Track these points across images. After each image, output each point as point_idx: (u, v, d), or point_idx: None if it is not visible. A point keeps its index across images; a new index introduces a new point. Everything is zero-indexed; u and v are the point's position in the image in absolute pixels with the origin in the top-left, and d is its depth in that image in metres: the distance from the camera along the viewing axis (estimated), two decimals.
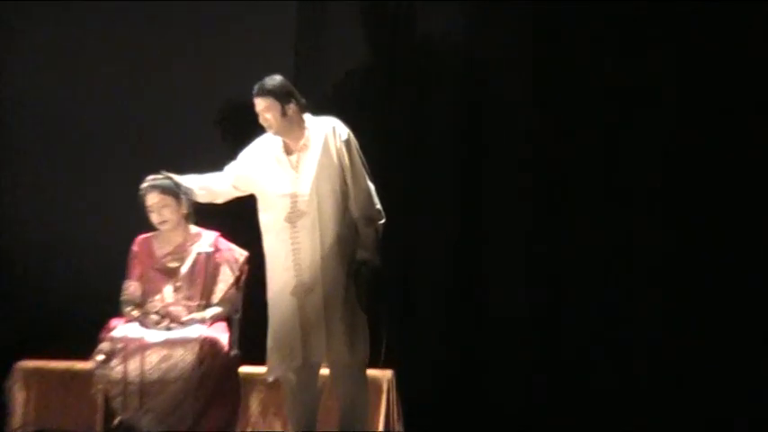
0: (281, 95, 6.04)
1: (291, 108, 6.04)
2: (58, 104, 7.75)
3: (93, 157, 7.73)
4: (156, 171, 6.32)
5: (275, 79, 6.10)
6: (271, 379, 6.08)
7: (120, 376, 6.06)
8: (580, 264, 7.29)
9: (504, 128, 7.44)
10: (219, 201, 6.33)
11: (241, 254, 6.45)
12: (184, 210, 6.37)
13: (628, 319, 7.16)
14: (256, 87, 6.06)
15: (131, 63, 7.69)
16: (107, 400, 6.15)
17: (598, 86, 7.28)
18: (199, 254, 6.40)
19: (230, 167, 6.26)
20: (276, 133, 6.09)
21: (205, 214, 6.44)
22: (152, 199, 6.33)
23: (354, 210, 6.02)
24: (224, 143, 7.21)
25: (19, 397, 6.84)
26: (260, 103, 6.06)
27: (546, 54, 7.35)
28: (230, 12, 7.65)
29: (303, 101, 6.10)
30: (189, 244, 6.42)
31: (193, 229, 6.46)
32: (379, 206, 6.05)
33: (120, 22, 7.74)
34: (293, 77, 6.34)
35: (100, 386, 6.16)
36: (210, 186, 6.30)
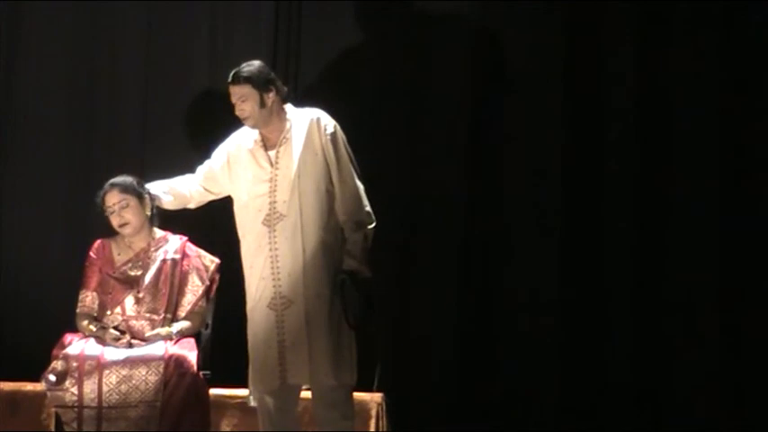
0: (259, 83, 5.77)
1: (271, 97, 5.79)
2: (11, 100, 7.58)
3: (51, 157, 7.50)
4: (119, 174, 6.19)
5: (253, 65, 5.83)
6: (253, 403, 5.84)
7: (74, 399, 5.83)
8: (589, 283, 7.19)
9: (516, 123, 7.29)
10: (192, 206, 6.15)
11: (212, 261, 6.23)
12: (148, 211, 6.16)
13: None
14: (232, 74, 5.80)
15: (91, 60, 7.54)
16: (59, 426, 5.93)
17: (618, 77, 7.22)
18: (164, 261, 6.17)
19: (202, 168, 6.06)
20: (253, 126, 5.82)
21: (172, 216, 6.25)
22: (112, 199, 6.12)
23: (341, 212, 5.76)
24: (196, 142, 6.93)
25: None
26: (236, 92, 5.79)
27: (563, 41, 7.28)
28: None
29: (284, 89, 5.85)
30: (153, 249, 6.20)
31: (158, 232, 6.24)
32: (368, 208, 5.79)
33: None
34: (272, 63, 6.29)
35: (51, 410, 6.03)
36: (180, 191, 6.11)
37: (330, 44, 7.27)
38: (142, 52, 7.43)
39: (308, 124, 5.77)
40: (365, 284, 5.67)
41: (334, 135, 5.76)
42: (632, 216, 7.14)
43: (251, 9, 7.36)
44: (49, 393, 5.88)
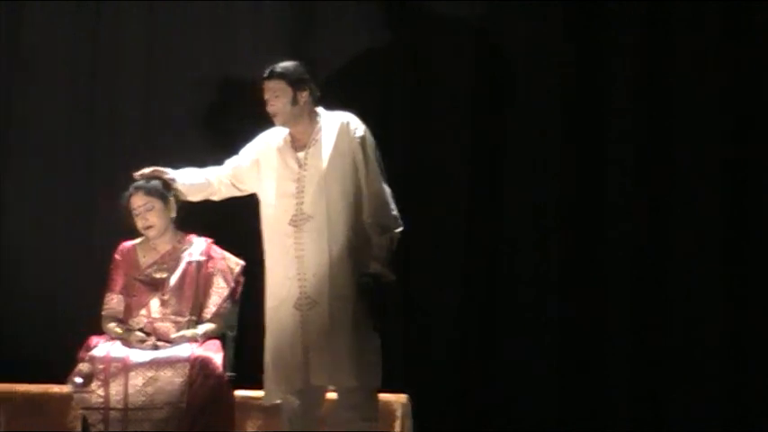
0: (294, 81, 5.76)
1: (304, 96, 5.77)
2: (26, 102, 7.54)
3: (71, 156, 7.48)
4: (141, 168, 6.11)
5: (289, 63, 5.82)
6: (268, 404, 5.84)
7: (100, 401, 5.82)
8: (611, 280, 7.14)
9: (526, 123, 7.24)
10: (216, 198, 6.07)
11: (237, 263, 6.21)
12: (173, 214, 6.16)
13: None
14: (267, 70, 5.79)
15: (116, 60, 7.50)
16: (86, 428, 5.90)
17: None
18: (189, 263, 6.16)
19: (230, 161, 6.01)
20: (283, 123, 5.81)
21: (196, 218, 6.23)
22: (137, 201, 6.12)
23: (367, 215, 5.73)
24: (216, 141, 6.85)
25: None
26: (269, 88, 5.77)
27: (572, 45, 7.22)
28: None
29: (318, 92, 5.83)
30: (178, 252, 6.19)
31: (183, 235, 6.24)
32: (395, 213, 5.77)
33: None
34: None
35: (78, 412, 5.93)
36: (207, 180, 6.03)
37: (339, 43, 7.26)
38: (145, 51, 7.42)
39: (338, 127, 5.75)
40: (390, 288, 5.67)
41: (363, 139, 5.74)
42: (633, 215, 7.13)
43: (257, 7, 7.37)
44: (75, 395, 5.87)
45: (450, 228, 7.20)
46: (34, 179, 7.40)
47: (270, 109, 5.75)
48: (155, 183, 6.06)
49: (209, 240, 6.20)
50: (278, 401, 5.77)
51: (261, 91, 5.76)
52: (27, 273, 7.36)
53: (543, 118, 7.18)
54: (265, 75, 5.76)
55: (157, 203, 6.06)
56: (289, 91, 5.71)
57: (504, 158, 7.23)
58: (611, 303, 7.07)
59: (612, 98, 7.13)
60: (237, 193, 5.97)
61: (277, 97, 5.72)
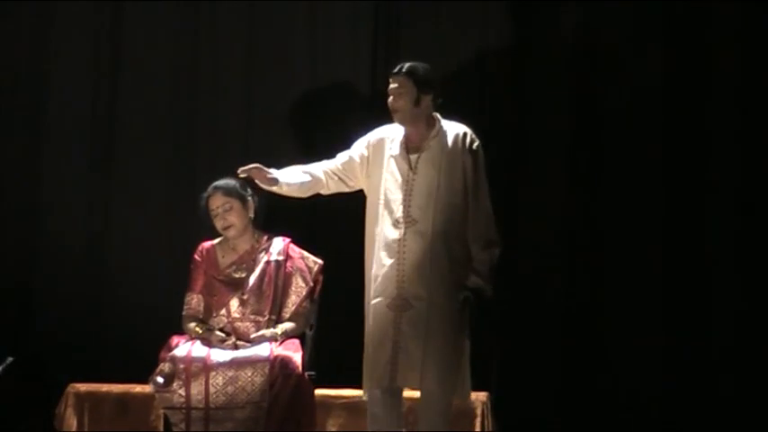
0: (420, 81, 5.74)
1: (426, 100, 5.75)
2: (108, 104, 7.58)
3: (157, 160, 7.52)
4: (224, 175, 6.16)
5: (420, 64, 5.80)
6: (366, 397, 5.80)
7: (182, 401, 5.86)
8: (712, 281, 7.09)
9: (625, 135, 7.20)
10: (324, 192, 5.97)
11: (315, 262, 6.23)
12: (251, 213, 6.18)
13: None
14: (398, 66, 5.78)
15: (193, 61, 7.55)
16: (168, 427, 5.96)
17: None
18: (268, 263, 6.18)
19: (341, 156, 5.94)
20: (401, 121, 5.78)
21: (274, 218, 6.27)
22: (215, 202, 6.15)
23: (472, 230, 5.73)
24: (298, 142, 7.02)
25: (71, 424, 6.61)
26: (395, 83, 5.75)
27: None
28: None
29: (440, 98, 5.79)
30: (257, 252, 6.21)
31: (262, 234, 6.25)
32: (498, 231, 5.76)
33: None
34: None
35: (160, 411, 6.06)
36: (314, 177, 5.91)
37: (428, 45, 7.22)
38: (243, 52, 7.44)
39: (454, 137, 5.74)
40: (489, 304, 5.66)
41: (476, 153, 5.74)
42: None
43: (350, 9, 7.35)
44: (157, 395, 5.93)
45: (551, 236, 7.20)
46: (129, 180, 7.45)
47: (392, 104, 5.73)
48: (233, 183, 6.07)
49: (288, 240, 6.20)
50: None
51: (386, 85, 5.75)
52: (110, 274, 7.42)
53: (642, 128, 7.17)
54: (395, 70, 5.75)
55: (236, 203, 6.09)
56: (413, 90, 5.69)
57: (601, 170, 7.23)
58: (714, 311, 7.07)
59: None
60: (346, 189, 5.92)
61: (400, 94, 5.70)
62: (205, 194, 6.14)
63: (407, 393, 5.85)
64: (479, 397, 6.41)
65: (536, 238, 7.14)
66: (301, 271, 6.14)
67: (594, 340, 7.09)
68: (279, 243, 6.19)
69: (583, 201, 7.17)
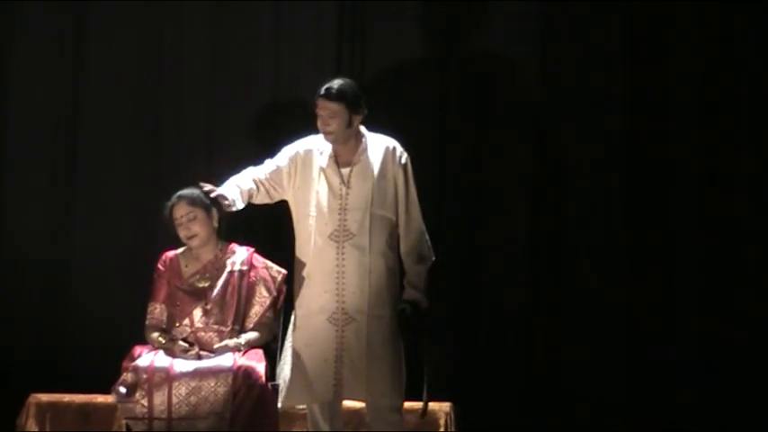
0: (351, 104, 5.76)
1: (358, 119, 5.79)
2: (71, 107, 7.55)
3: (114, 166, 7.49)
4: (187, 184, 6.14)
5: (346, 83, 5.81)
6: (287, 406, 5.92)
7: (144, 411, 5.82)
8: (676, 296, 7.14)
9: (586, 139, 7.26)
10: (255, 202, 5.98)
11: (278, 271, 6.20)
12: (215, 223, 6.16)
13: None
14: (324, 89, 5.76)
15: (152, 63, 7.52)
16: None
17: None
18: (231, 272, 6.15)
19: (268, 166, 5.95)
20: (334, 142, 5.82)
21: (237, 228, 6.28)
22: (179, 211, 6.12)
23: (404, 242, 5.85)
24: (262, 150, 6.73)
25: None
26: (326, 107, 5.76)
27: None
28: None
29: (366, 111, 5.82)
30: (220, 261, 6.19)
31: (225, 244, 6.23)
32: (429, 243, 5.87)
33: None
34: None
35: (122, 422, 6.00)
36: (250, 189, 5.91)
37: (393, 51, 7.26)
38: (207, 58, 7.43)
39: (384, 151, 5.81)
40: (425, 315, 5.74)
41: (406, 167, 5.82)
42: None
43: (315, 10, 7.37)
44: (119, 405, 5.88)
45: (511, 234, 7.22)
46: (92, 188, 7.41)
47: (323, 128, 5.75)
48: (197, 192, 6.05)
49: (251, 249, 6.18)
50: (300, 407, 5.90)
51: (314, 106, 5.74)
52: (72, 282, 7.37)
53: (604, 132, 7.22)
54: (322, 92, 5.74)
55: (200, 213, 6.06)
56: (345, 113, 5.72)
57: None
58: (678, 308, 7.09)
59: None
60: (268, 201, 5.95)
61: (332, 118, 5.72)
62: (169, 203, 6.11)
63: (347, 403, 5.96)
64: (443, 407, 6.44)
65: (499, 241, 7.17)
66: (265, 281, 6.12)
67: (556, 346, 7.11)
68: (242, 253, 6.16)
69: (547, 202, 7.21)
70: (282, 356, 5.94)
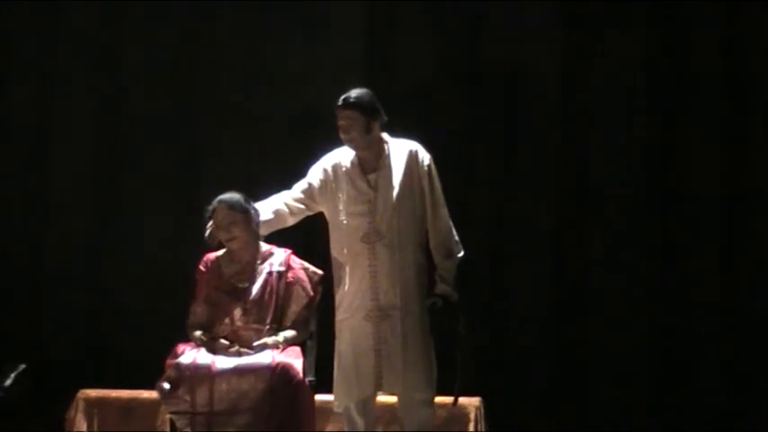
0: (367, 110, 5.94)
1: (376, 125, 5.95)
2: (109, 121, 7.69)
3: (160, 176, 7.64)
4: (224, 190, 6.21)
5: (362, 92, 5.99)
6: (341, 410, 6.01)
7: (187, 406, 5.88)
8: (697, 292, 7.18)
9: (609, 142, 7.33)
10: (290, 223, 6.21)
11: (315, 272, 6.28)
12: (254, 226, 6.20)
13: None
14: (342, 99, 5.95)
15: (185, 76, 7.65)
16: (173, 430, 6.00)
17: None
18: (269, 273, 6.22)
19: (299, 185, 6.16)
20: (355, 148, 6.01)
21: (269, 236, 6.29)
22: (220, 215, 6.17)
23: (433, 239, 5.99)
24: (293, 156, 6.91)
25: (80, 428, 6.70)
26: (344, 116, 5.95)
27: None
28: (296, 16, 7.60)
29: (386, 118, 5.99)
30: (259, 263, 6.25)
31: (263, 246, 6.29)
32: (457, 238, 6.01)
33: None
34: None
35: (166, 417, 6.09)
36: (280, 210, 6.16)
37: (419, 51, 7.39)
38: (244, 64, 7.55)
39: (407, 154, 5.98)
40: (456, 308, 5.90)
41: (430, 168, 5.98)
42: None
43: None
44: (163, 401, 5.97)
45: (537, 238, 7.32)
46: (136, 192, 7.55)
47: (344, 136, 5.95)
48: (237, 196, 6.13)
49: (289, 251, 6.27)
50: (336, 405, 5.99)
51: (335, 117, 5.91)
52: (119, 284, 7.49)
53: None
54: (340, 103, 5.94)
55: (239, 217, 6.12)
56: (362, 120, 5.91)
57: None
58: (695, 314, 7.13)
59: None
60: (309, 213, 6.13)
61: (351, 126, 5.91)
62: (210, 207, 6.17)
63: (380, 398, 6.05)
64: (472, 402, 6.51)
65: (525, 241, 7.29)
66: (302, 281, 6.20)
67: (582, 342, 7.18)
68: (280, 254, 6.24)
69: (571, 202, 7.32)
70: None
